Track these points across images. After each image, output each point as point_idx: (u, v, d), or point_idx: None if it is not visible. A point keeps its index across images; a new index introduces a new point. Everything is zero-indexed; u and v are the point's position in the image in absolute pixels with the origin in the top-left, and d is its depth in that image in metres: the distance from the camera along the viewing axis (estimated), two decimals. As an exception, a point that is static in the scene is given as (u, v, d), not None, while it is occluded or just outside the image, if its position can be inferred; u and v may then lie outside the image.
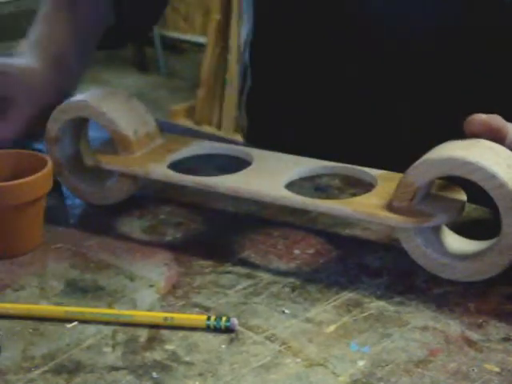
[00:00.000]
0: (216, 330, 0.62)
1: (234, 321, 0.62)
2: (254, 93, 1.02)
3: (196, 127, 2.98)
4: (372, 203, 0.69)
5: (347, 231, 0.77)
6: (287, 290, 0.68)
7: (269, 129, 1.02)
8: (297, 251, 0.73)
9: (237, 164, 0.78)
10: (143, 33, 1.04)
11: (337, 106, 0.95)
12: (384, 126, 0.96)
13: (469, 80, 0.89)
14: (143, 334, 0.62)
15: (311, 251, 0.73)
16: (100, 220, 0.79)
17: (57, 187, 0.80)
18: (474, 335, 0.61)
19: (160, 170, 0.76)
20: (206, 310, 0.65)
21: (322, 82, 0.95)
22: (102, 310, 0.64)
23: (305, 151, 0.78)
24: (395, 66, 0.92)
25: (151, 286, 0.68)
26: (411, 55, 0.90)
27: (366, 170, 0.75)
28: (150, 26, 1.04)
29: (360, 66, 0.92)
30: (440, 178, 0.69)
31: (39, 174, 0.71)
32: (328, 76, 0.94)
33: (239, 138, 3.00)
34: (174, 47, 4.24)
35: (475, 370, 0.58)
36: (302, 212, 0.77)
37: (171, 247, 0.74)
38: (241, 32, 1.05)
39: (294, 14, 0.93)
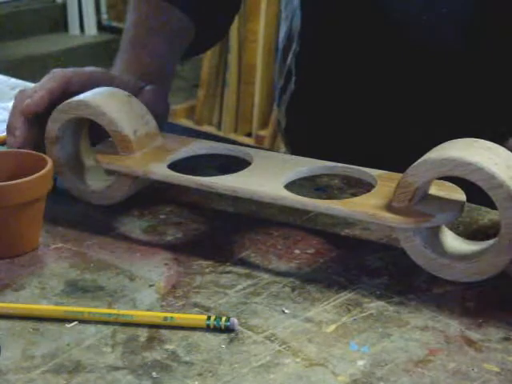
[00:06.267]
0: (216, 329, 0.62)
1: (234, 321, 0.62)
2: (295, 96, 1.05)
3: (196, 127, 2.97)
4: (372, 203, 0.69)
5: (347, 231, 0.77)
6: (287, 289, 0.68)
7: (307, 130, 1.06)
8: (297, 251, 0.73)
9: (237, 164, 0.78)
10: (218, 40, 1.09)
11: (351, 109, 0.98)
12: (384, 126, 0.97)
13: (472, 82, 0.90)
14: (143, 334, 0.62)
15: (311, 251, 0.73)
16: (100, 220, 0.79)
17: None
18: (474, 335, 0.61)
19: (160, 170, 0.76)
20: (206, 309, 0.65)
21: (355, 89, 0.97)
22: (101, 310, 0.64)
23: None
24: (399, 69, 0.93)
25: (151, 285, 0.68)
26: (416, 57, 0.91)
27: (366, 170, 0.75)
28: (226, 31, 1.10)
29: (371, 69, 0.94)
30: (440, 178, 0.69)
31: (39, 174, 0.71)
32: (362, 85, 0.96)
33: (239, 138, 2.98)
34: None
35: (475, 370, 0.58)
36: (301, 212, 0.78)
37: (171, 247, 0.74)
38: (279, 32, 1.10)
39: (338, 30, 0.96)
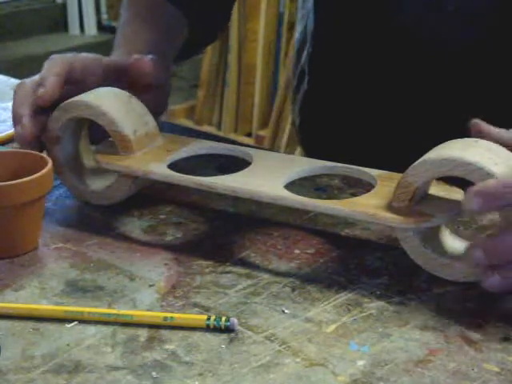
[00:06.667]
0: (216, 329, 0.62)
1: (234, 321, 0.62)
2: (308, 95, 1.06)
3: (196, 127, 2.97)
4: (371, 203, 0.69)
5: (347, 231, 0.77)
6: (287, 289, 0.68)
7: (319, 129, 1.07)
8: (297, 251, 0.73)
9: (237, 164, 0.78)
10: (213, 39, 1.10)
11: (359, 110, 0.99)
12: (387, 125, 0.97)
13: (473, 83, 0.90)
14: (143, 334, 0.62)
15: (311, 251, 0.73)
16: (100, 220, 0.79)
17: None
18: (474, 335, 0.61)
19: (160, 170, 0.76)
20: (206, 309, 0.65)
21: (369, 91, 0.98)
22: (101, 310, 0.64)
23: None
24: (403, 68, 0.93)
25: (151, 285, 0.68)
26: (419, 57, 0.91)
27: (366, 170, 0.75)
28: (221, 30, 1.11)
29: (379, 72, 0.95)
30: (439, 179, 0.69)
31: (39, 174, 0.71)
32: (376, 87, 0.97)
33: (239, 138, 2.98)
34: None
35: (475, 370, 0.58)
36: (301, 212, 0.78)
37: (171, 247, 0.74)
38: (295, 28, 1.11)
39: (351, 35, 0.97)
